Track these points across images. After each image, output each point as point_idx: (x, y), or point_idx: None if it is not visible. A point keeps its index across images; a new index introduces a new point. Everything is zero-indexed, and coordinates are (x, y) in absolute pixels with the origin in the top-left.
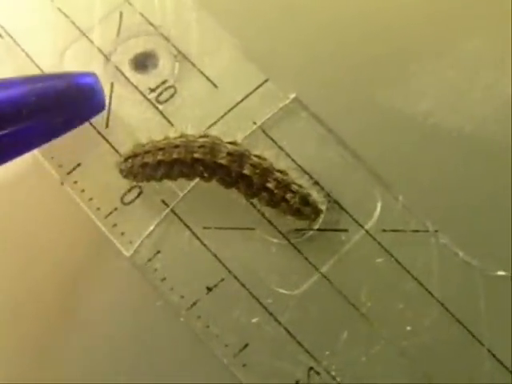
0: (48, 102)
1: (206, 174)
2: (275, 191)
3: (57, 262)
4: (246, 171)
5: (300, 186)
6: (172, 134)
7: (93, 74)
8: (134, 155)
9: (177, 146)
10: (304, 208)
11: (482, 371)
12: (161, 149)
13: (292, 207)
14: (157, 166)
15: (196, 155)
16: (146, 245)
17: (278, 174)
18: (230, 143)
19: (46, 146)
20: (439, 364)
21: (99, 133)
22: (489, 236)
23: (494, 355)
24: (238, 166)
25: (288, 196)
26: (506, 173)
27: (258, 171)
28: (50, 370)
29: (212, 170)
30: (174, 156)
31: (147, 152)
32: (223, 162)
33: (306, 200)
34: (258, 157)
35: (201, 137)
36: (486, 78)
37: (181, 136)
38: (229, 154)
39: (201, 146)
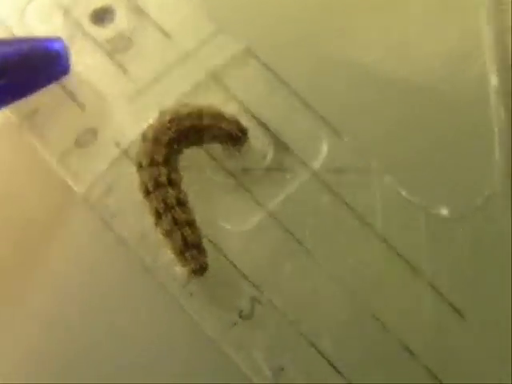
0: (12, 65)
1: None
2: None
3: (12, 200)
4: None
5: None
6: None
7: (59, 39)
8: None
9: None
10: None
11: (423, 304)
12: None
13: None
14: None
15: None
16: (98, 183)
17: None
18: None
19: None
20: (382, 297)
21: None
22: (432, 177)
23: (434, 288)
24: None
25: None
26: (449, 119)
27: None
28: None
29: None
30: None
31: None
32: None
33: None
34: None
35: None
36: (434, 30)
37: None
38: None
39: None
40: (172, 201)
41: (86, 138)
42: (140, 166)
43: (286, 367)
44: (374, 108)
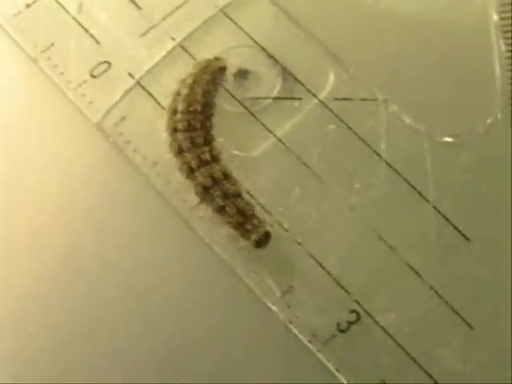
0: None
1: None
2: None
3: (30, 129)
4: None
5: None
6: None
7: None
8: None
9: None
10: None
11: (428, 226)
12: None
13: None
14: None
15: None
16: (112, 112)
17: None
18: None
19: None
20: (388, 219)
21: (73, 17)
22: (436, 106)
23: (439, 211)
24: None
25: None
26: (451, 52)
27: None
28: None
29: None
30: None
31: None
32: None
33: None
34: None
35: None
36: None
37: None
38: None
39: None
40: (219, 175)
41: (101, 70)
42: (175, 131)
43: (296, 286)
44: (379, 41)
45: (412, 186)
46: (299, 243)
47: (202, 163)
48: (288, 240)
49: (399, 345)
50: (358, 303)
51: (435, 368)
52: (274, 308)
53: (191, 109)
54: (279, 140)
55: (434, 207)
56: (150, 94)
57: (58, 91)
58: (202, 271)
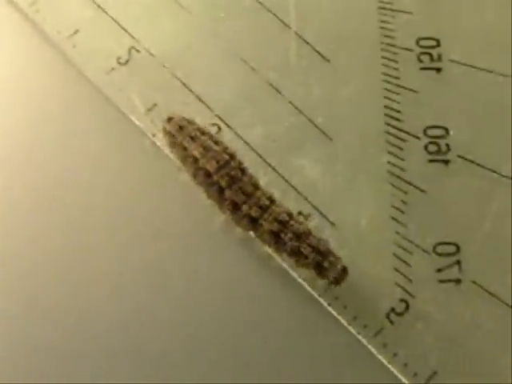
0: None
1: None
2: None
3: None
4: None
5: None
6: None
7: None
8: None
9: None
10: None
11: (289, 49)
12: None
13: None
14: None
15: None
16: None
17: None
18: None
19: None
20: (250, 44)
21: None
22: None
23: (300, 36)
24: None
25: None
26: None
27: None
28: None
29: None
30: None
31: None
32: None
33: None
34: None
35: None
36: None
37: None
38: None
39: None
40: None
41: None
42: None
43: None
44: None
45: (274, 14)
46: (166, 68)
47: (263, 209)
48: (155, 65)
49: (257, 153)
50: (220, 118)
51: (295, 177)
52: (138, 123)
53: (222, 163)
54: None
55: (296, 33)
56: None
57: None
58: (117, 139)
